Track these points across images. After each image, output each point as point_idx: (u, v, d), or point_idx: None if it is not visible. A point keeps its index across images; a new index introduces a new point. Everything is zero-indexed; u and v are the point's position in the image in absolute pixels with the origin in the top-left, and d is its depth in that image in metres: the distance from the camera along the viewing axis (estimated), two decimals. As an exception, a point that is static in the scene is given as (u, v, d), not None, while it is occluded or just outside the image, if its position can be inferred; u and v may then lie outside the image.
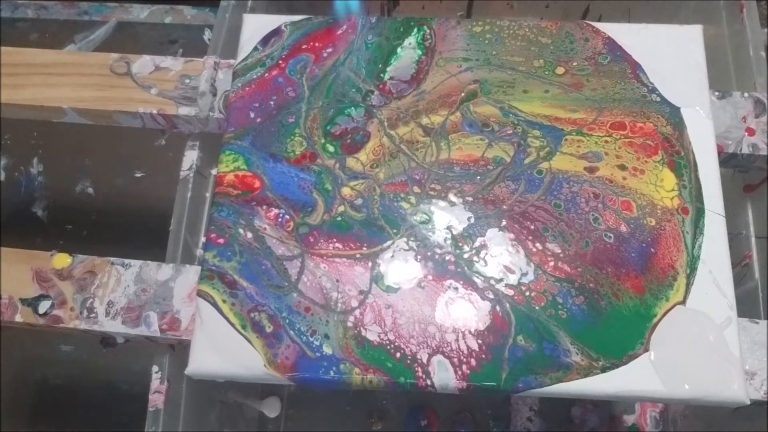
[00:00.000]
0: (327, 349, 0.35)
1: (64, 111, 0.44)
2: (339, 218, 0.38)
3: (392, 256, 0.37)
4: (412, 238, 0.38)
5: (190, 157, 0.44)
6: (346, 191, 0.39)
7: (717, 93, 0.43)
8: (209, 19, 0.77)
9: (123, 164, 0.71)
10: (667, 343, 0.35)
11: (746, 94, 0.43)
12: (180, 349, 0.40)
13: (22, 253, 0.41)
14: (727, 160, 0.43)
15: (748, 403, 0.35)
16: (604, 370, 0.35)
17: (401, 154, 0.40)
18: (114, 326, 0.39)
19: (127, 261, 0.40)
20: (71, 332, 0.40)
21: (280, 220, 0.38)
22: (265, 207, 0.39)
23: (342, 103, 0.42)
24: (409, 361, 0.35)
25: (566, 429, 0.61)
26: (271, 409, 0.61)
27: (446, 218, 0.38)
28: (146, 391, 0.40)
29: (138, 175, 0.70)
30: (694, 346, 0.35)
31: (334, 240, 0.38)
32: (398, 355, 0.35)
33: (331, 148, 0.40)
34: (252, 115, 0.41)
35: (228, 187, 0.40)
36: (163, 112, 0.43)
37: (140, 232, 0.65)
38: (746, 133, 0.42)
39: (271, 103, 0.42)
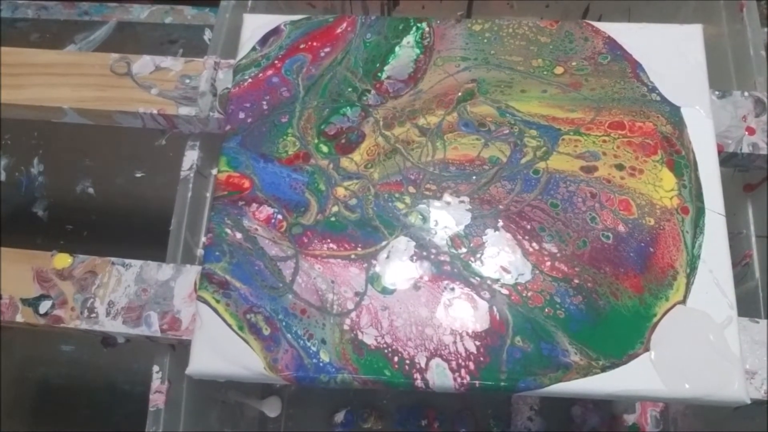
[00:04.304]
0: (324, 356, 0.35)
1: (65, 111, 0.44)
2: (333, 218, 0.38)
3: (387, 257, 0.37)
4: (407, 239, 0.38)
5: (191, 157, 0.44)
6: (339, 191, 0.39)
7: (717, 92, 0.43)
8: (209, 19, 0.77)
9: (123, 164, 0.71)
10: (667, 342, 0.35)
11: (746, 94, 0.43)
12: (180, 349, 0.40)
13: (23, 253, 0.41)
14: (728, 160, 0.43)
15: (749, 402, 0.35)
16: (603, 369, 0.35)
17: (396, 153, 0.40)
18: (114, 326, 0.39)
19: (127, 261, 0.40)
20: (72, 332, 0.40)
21: (272, 220, 0.38)
22: (255, 207, 0.39)
23: (337, 103, 0.42)
24: (407, 367, 0.35)
25: (567, 428, 0.61)
26: (272, 408, 0.61)
27: (442, 218, 0.38)
28: (147, 391, 0.40)
29: (138, 175, 0.70)
30: (695, 345, 0.35)
31: (329, 240, 0.38)
32: (396, 359, 0.35)
33: (324, 149, 0.40)
34: (242, 115, 0.41)
35: (215, 188, 0.40)
36: (164, 112, 0.44)
37: (141, 232, 0.65)
38: (746, 133, 0.42)
39: (264, 103, 0.42)
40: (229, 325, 0.36)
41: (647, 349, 0.35)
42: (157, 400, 0.40)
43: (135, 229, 0.68)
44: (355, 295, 0.37)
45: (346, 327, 0.36)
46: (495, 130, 0.40)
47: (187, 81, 0.44)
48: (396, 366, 0.35)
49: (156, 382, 0.40)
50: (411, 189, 0.39)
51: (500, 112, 0.41)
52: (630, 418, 0.60)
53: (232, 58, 0.44)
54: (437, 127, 0.41)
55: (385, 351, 0.35)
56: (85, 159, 0.72)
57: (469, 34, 0.44)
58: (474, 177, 0.39)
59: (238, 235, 0.38)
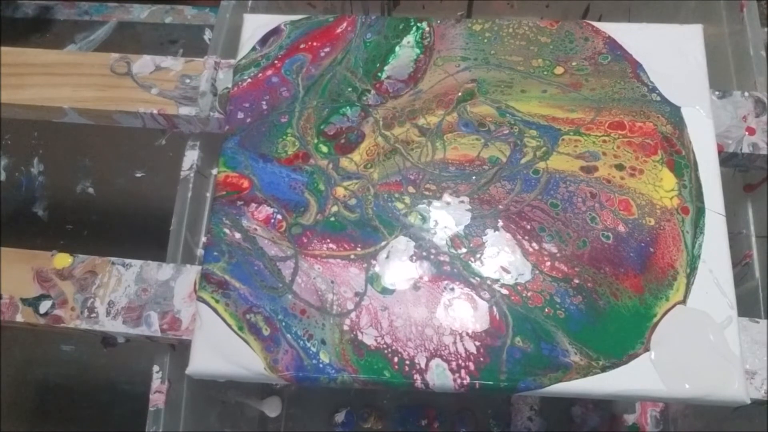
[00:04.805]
0: (324, 357, 0.35)
1: (65, 111, 0.44)
2: (332, 218, 0.38)
3: (387, 257, 0.37)
4: (406, 239, 0.38)
5: (191, 157, 0.44)
6: (339, 191, 0.39)
7: (717, 92, 0.43)
8: (209, 19, 0.77)
9: (123, 164, 0.71)
10: (667, 342, 0.35)
11: (746, 94, 0.43)
12: (181, 349, 0.40)
13: (23, 253, 0.41)
14: (728, 160, 0.43)
15: (749, 402, 0.35)
16: (604, 369, 0.35)
17: (396, 153, 0.40)
18: (115, 326, 0.39)
19: (127, 261, 0.40)
20: (72, 332, 0.40)
21: (272, 220, 0.38)
22: (254, 207, 0.39)
23: (337, 103, 0.42)
24: (407, 368, 0.35)
25: (567, 428, 0.61)
26: (272, 408, 0.61)
27: (441, 218, 0.38)
28: (147, 391, 0.40)
29: (138, 175, 0.70)
30: (695, 345, 0.35)
31: (328, 240, 0.38)
32: (396, 359, 0.35)
33: (324, 149, 0.40)
34: (242, 115, 0.41)
35: (215, 188, 0.40)
36: (164, 111, 0.44)
37: (141, 232, 0.65)
38: (746, 133, 0.42)
39: (263, 103, 0.42)
40: (229, 325, 0.36)
41: (647, 349, 0.35)
42: (157, 400, 0.40)
43: (135, 229, 0.68)
44: (354, 296, 0.37)
45: (345, 327, 0.36)
46: (495, 130, 0.40)
47: (188, 81, 0.44)
48: (396, 367, 0.35)
49: (156, 382, 0.40)
50: (411, 189, 0.39)
51: (500, 112, 0.41)
52: (630, 418, 0.60)
53: (232, 58, 0.44)
54: (437, 127, 0.41)
55: (385, 351, 0.35)
56: (86, 159, 0.72)
57: (469, 34, 0.44)
58: (474, 177, 0.39)
59: (237, 235, 0.38)
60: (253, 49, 0.44)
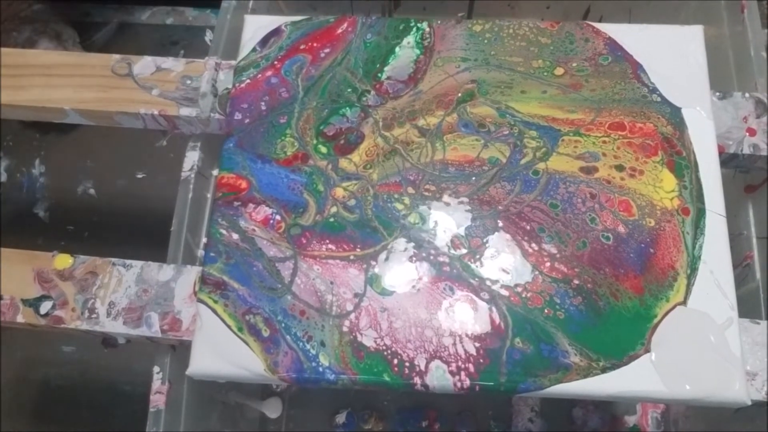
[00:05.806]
0: (324, 360, 0.35)
1: (66, 112, 0.45)
2: (331, 219, 0.38)
3: (386, 258, 0.37)
4: (406, 240, 0.38)
5: (192, 157, 0.44)
6: (338, 192, 0.39)
7: (718, 93, 0.43)
8: (210, 20, 0.77)
9: (124, 165, 0.71)
10: (668, 343, 0.35)
11: (747, 95, 0.43)
12: (181, 350, 0.40)
13: (24, 253, 0.41)
14: (728, 161, 0.43)
15: (750, 403, 0.35)
16: (604, 370, 0.35)
17: (396, 154, 0.40)
18: (115, 327, 0.39)
19: (128, 262, 0.40)
20: (72, 333, 0.40)
21: (270, 221, 0.38)
22: (252, 208, 0.39)
23: (337, 104, 0.42)
24: (407, 370, 0.35)
25: (568, 430, 0.61)
26: (273, 409, 0.61)
27: (441, 219, 0.38)
28: (147, 392, 0.40)
29: (139, 176, 0.70)
30: (696, 346, 0.35)
31: (327, 241, 0.38)
32: (395, 361, 0.35)
33: (323, 149, 0.40)
34: (241, 116, 0.42)
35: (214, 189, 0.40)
36: (165, 112, 0.44)
37: (141, 232, 0.65)
38: (747, 134, 0.42)
39: (262, 104, 0.42)
40: (229, 326, 0.36)
41: (648, 350, 0.35)
42: (157, 400, 0.40)
43: (136, 229, 0.68)
44: (354, 297, 0.37)
45: (345, 329, 0.36)
46: (495, 131, 0.40)
47: (188, 82, 0.44)
48: (396, 369, 0.35)
49: (156, 383, 0.40)
50: (410, 190, 0.39)
51: (500, 113, 0.41)
52: (631, 420, 0.60)
53: (233, 59, 0.44)
54: (437, 127, 0.41)
55: (385, 353, 0.35)
56: (87, 160, 0.72)
57: (470, 34, 0.44)
58: (473, 178, 0.39)
59: (235, 236, 0.38)
60: (254, 50, 0.44)
